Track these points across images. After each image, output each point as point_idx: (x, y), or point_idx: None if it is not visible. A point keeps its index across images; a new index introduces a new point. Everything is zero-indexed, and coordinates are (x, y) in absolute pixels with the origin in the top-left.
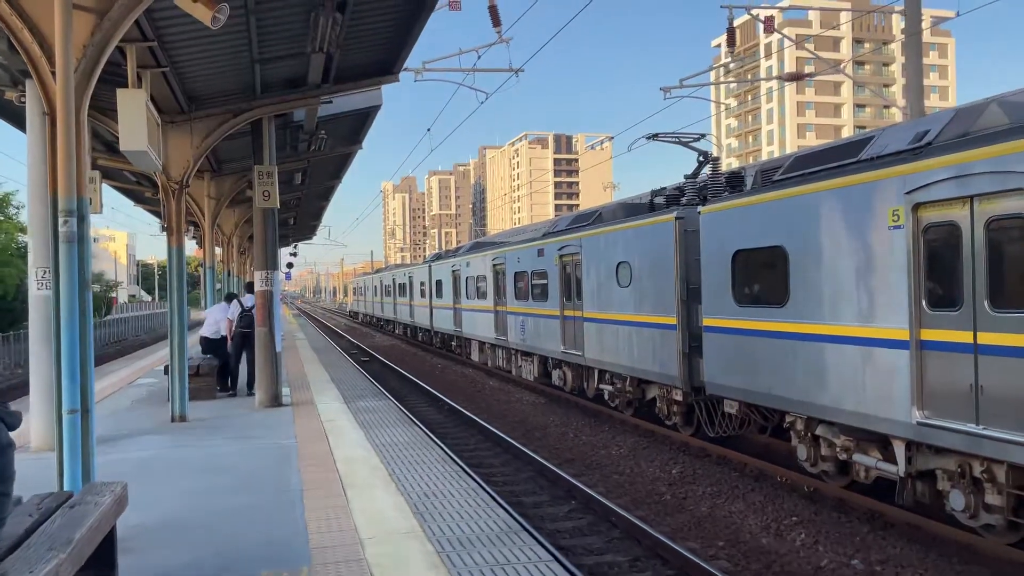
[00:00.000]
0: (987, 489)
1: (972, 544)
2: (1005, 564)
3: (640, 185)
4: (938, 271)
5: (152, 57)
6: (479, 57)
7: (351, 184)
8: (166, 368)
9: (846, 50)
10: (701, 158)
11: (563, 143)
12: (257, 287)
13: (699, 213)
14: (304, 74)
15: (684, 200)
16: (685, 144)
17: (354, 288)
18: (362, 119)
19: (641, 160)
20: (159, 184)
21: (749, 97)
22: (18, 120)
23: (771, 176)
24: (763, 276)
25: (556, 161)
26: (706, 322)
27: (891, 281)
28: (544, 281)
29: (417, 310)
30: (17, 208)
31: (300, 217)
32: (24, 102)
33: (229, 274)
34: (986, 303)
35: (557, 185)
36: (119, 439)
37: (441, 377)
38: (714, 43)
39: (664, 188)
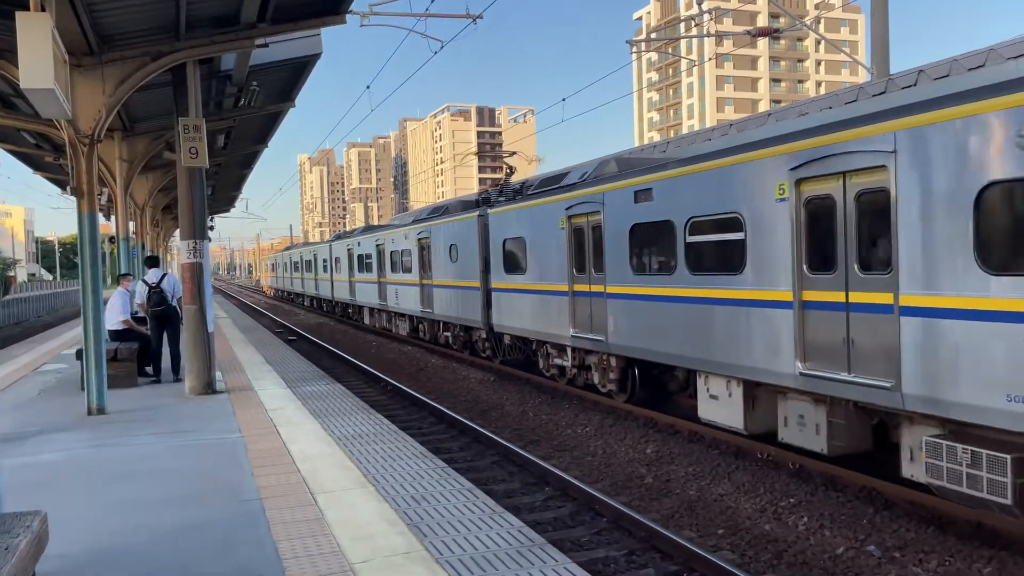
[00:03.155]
0: (609, 371)
1: (984, 523)
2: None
3: (564, 158)
4: (581, 253)
5: None
6: (432, 1)
7: (266, 155)
8: (79, 352)
9: (763, 24)
10: (508, 170)
11: (486, 116)
12: (184, 259)
13: (488, 214)
14: (236, 11)
15: (492, 202)
16: (501, 158)
17: (271, 265)
18: (298, 70)
19: (566, 132)
20: (66, 139)
21: (670, 71)
22: None
23: (521, 191)
24: (517, 255)
25: (479, 134)
26: (493, 285)
27: (562, 257)
28: (409, 258)
29: (321, 283)
30: None
31: (219, 187)
32: None
33: (143, 248)
34: (601, 271)
35: (481, 158)
36: (25, 438)
37: (378, 355)
38: (636, 16)
39: (487, 191)
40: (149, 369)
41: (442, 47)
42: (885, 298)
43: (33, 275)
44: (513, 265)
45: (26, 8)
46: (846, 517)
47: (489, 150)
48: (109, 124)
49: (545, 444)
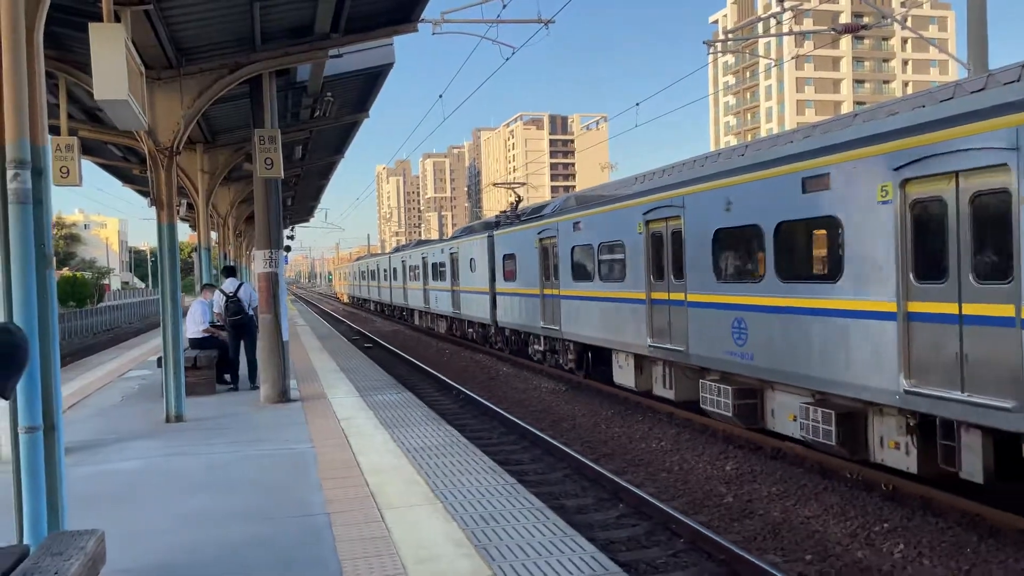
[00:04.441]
0: (568, 352)
1: None
2: None
3: (639, 163)
4: (547, 265)
5: None
6: (504, 6)
7: (343, 165)
8: (159, 360)
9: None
10: (517, 197)
11: (559, 124)
12: (259, 269)
13: (495, 235)
14: (310, 21)
15: (500, 225)
16: (511, 188)
17: (345, 274)
18: (372, 80)
19: (642, 137)
20: (146, 151)
21: (747, 74)
22: None
23: (520, 217)
24: (511, 267)
25: (552, 142)
26: (497, 290)
27: (536, 269)
28: (444, 269)
29: (383, 290)
30: None
31: (298, 197)
32: None
33: (225, 257)
34: (557, 279)
35: (553, 167)
36: (105, 444)
37: (450, 364)
38: (712, 19)
39: (500, 215)
40: (227, 377)
41: (513, 53)
42: (681, 296)
43: (126, 283)
44: (508, 275)
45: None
46: (947, 545)
47: (502, 184)
48: (191, 136)
49: (618, 458)
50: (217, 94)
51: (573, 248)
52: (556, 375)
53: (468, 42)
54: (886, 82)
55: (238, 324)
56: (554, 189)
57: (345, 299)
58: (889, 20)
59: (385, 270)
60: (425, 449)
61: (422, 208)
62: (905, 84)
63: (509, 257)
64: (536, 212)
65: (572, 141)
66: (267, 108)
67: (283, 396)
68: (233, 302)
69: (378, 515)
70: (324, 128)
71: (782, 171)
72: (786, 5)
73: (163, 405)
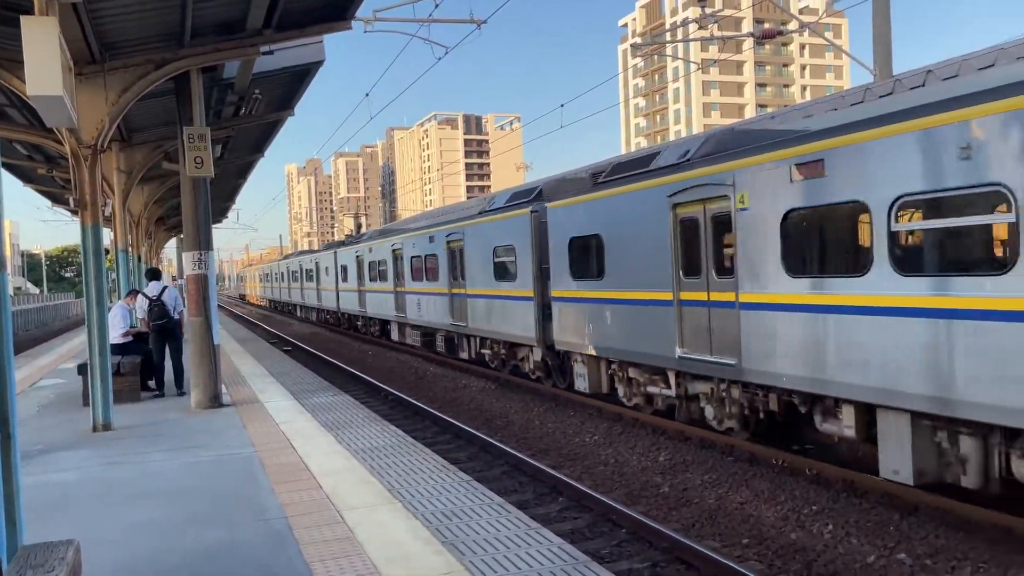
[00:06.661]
0: (373, 325)
1: (1015, 529)
2: None
3: (554, 165)
4: (361, 273)
5: None
6: (436, 6)
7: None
8: (81, 367)
9: (747, 30)
10: (356, 223)
11: (473, 123)
12: (188, 271)
13: (337, 251)
14: (242, 17)
15: (345, 243)
16: (354, 217)
17: (247, 277)
18: (300, 78)
19: (557, 138)
20: (68, 150)
21: (656, 77)
22: None
23: (354, 236)
24: (345, 273)
25: (467, 142)
26: (339, 288)
27: (355, 276)
28: (312, 273)
29: (274, 290)
30: None
31: (214, 197)
32: None
33: (139, 260)
34: (365, 280)
35: (468, 166)
36: (31, 456)
37: (375, 365)
38: (621, 22)
39: (348, 236)
40: (151, 383)
41: (447, 52)
42: (405, 289)
43: (19, 288)
44: (344, 278)
45: (30, 13)
46: (872, 524)
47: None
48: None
49: (554, 454)
50: (143, 91)
51: (370, 262)
52: (484, 374)
53: (391, 41)
54: (786, 86)
55: (162, 328)
56: (469, 189)
57: (253, 300)
58: (804, 29)
59: (276, 274)
60: (373, 450)
61: (335, 208)
62: (804, 88)
63: (343, 267)
64: (359, 237)
65: (487, 141)
66: (196, 105)
67: (215, 401)
68: (156, 306)
69: (338, 517)
70: (247, 126)
71: (424, 232)
72: (695, 14)
73: (86, 414)
